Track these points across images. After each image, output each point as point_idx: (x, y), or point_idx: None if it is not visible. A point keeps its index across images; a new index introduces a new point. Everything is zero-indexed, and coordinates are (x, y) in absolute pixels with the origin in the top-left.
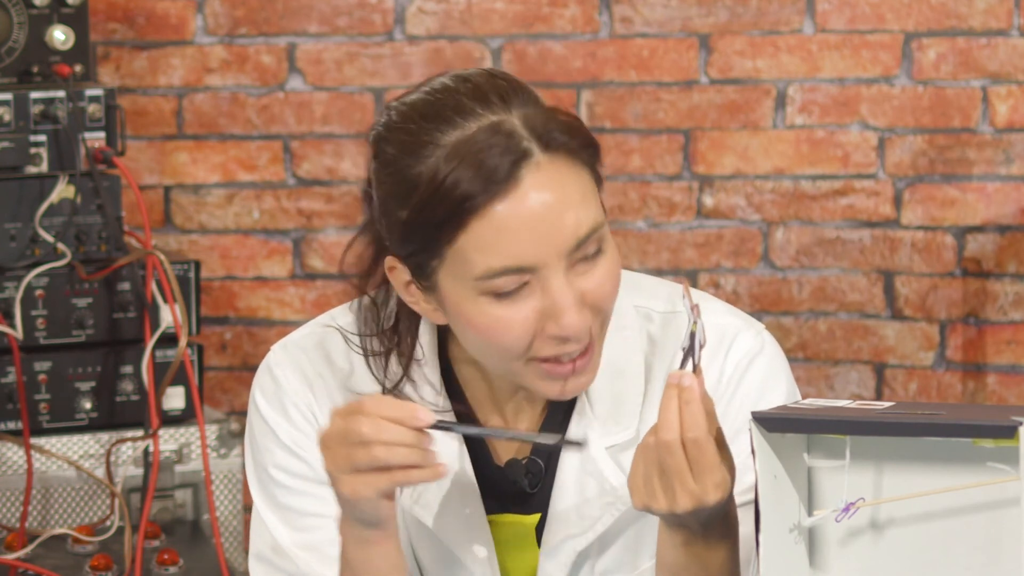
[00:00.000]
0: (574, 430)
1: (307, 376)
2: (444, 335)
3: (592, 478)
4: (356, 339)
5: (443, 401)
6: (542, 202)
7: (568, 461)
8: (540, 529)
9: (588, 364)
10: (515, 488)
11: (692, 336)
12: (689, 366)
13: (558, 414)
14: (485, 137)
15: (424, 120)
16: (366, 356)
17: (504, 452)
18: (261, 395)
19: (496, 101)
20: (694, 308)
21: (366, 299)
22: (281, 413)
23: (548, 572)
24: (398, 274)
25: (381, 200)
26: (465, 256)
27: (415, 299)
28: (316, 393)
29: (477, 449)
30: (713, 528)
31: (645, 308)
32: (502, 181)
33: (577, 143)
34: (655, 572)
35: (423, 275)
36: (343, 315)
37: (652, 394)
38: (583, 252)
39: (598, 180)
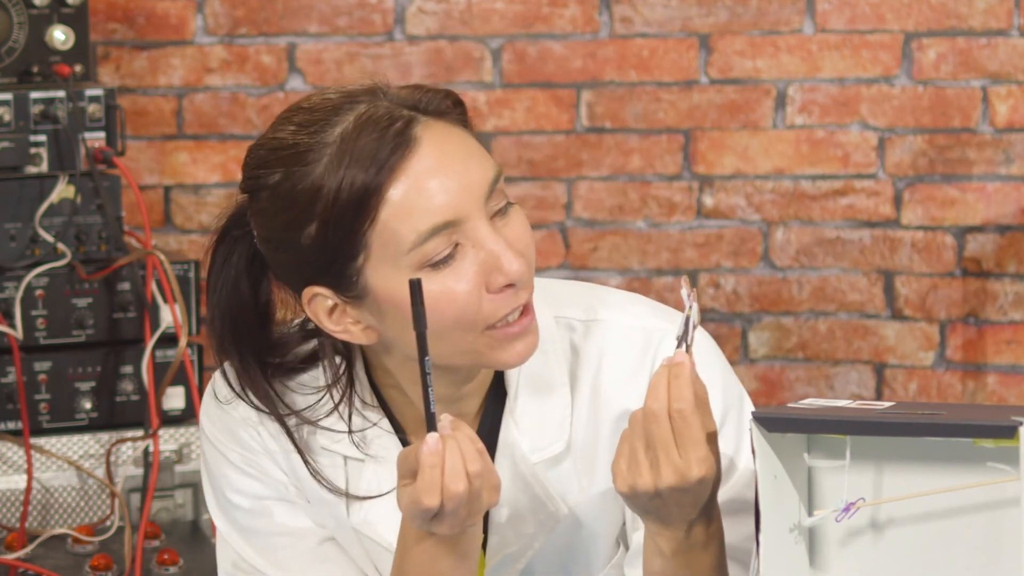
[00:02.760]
0: (502, 448)
1: (247, 401)
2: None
3: (523, 494)
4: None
5: (387, 425)
6: (446, 153)
7: (501, 475)
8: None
9: (532, 322)
10: None
11: (686, 321)
12: (683, 348)
13: (486, 435)
14: (368, 114)
15: (299, 135)
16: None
17: None
18: (208, 421)
19: (362, 95)
20: (691, 293)
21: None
22: (230, 436)
23: None
24: (319, 303)
25: (277, 238)
26: (391, 231)
27: (341, 326)
28: (257, 417)
29: None
30: (699, 531)
31: (565, 318)
32: (404, 144)
33: (450, 103)
34: None
35: (347, 286)
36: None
37: (579, 404)
38: (496, 203)
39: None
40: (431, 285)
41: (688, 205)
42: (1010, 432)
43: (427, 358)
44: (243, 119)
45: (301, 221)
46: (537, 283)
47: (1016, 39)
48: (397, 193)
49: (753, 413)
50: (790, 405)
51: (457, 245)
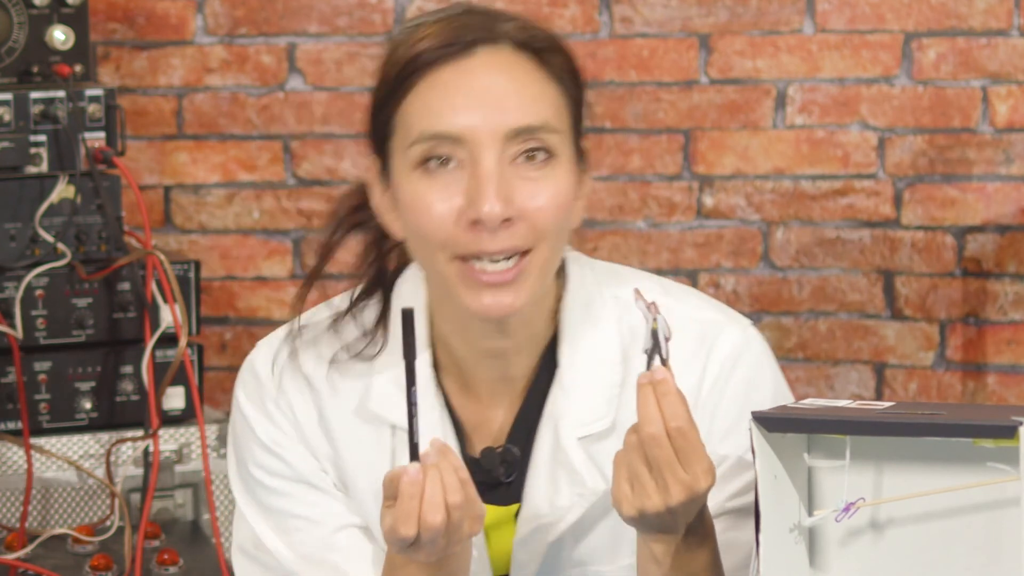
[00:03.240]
0: (547, 417)
1: (288, 372)
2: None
3: (563, 468)
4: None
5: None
6: (490, 78)
7: (541, 450)
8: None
9: (513, 283)
10: (490, 478)
11: (654, 334)
12: (657, 362)
13: (534, 403)
14: (463, 15)
15: (419, 18)
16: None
17: (479, 441)
18: (243, 392)
19: (480, 9)
20: (650, 307)
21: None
22: (262, 411)
23: (521, 561)
24: (372, 176)
25: (370, 111)
26: (408, 122)
27: (382, 208)
28: (298, 389)
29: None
30: (694, 532)
31: (624, 299)
32: (458, 52)
33: (552, 47)
34: None
35: (385, 164)
36: (322, 311)
37: (630, 383)
38: (525, 147)
39: (575, 109)
40: (418, 188)
41: (688, 205)
42: (1010, 432)
43: (414, 388)
44: (243, 119)
45: (376, 81)
46: (601, 264)
47: (1016, 39)
48: (426, 89)
49: (753, 413)
50: (790, 405)
51: (457, 162)
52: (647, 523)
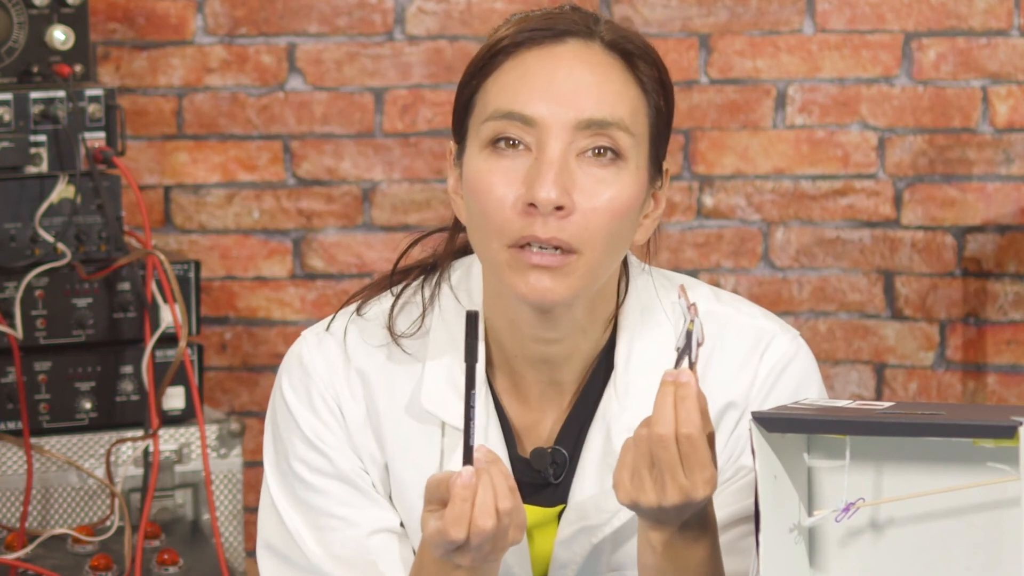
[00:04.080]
0: (599, 419)
1: (338, 365)
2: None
3: (612, 471)
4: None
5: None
6: (573, 69)
7: (591, 451)
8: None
9: (558, 271)
10: (539, 479)
11: (688, 335)
12: (685, 364)
13: (586, 406)
14: (564, 10)
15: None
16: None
17: (528, 443)
18: (288, 383)
19: (584, 10)
20: (691, 307)
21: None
22: (307, 404)
23: (562, 562)
24: (450, 160)
25: (457, 93)
26: (486, 100)
27: (455, 191)
28: (348, 383)
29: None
30: (691, 527)
31: (682, 305)
32: (546, 38)
33: (645, 57)
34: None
35: (461, 151)
36: (371, 304)
37: (661, 394)
38: (595, 142)
39: (656, 120)
40: (484, 166)
41: (688, 205)
42: (1010, 432)
43: (473, 391)
44: (243, 119)
45: (465, 69)
46: (666, 273)
47: (1016, 39)
48: (509, 70)
49: (753, 413)
50: (790, 405)
51: (524, 147)
52: (640, 512)
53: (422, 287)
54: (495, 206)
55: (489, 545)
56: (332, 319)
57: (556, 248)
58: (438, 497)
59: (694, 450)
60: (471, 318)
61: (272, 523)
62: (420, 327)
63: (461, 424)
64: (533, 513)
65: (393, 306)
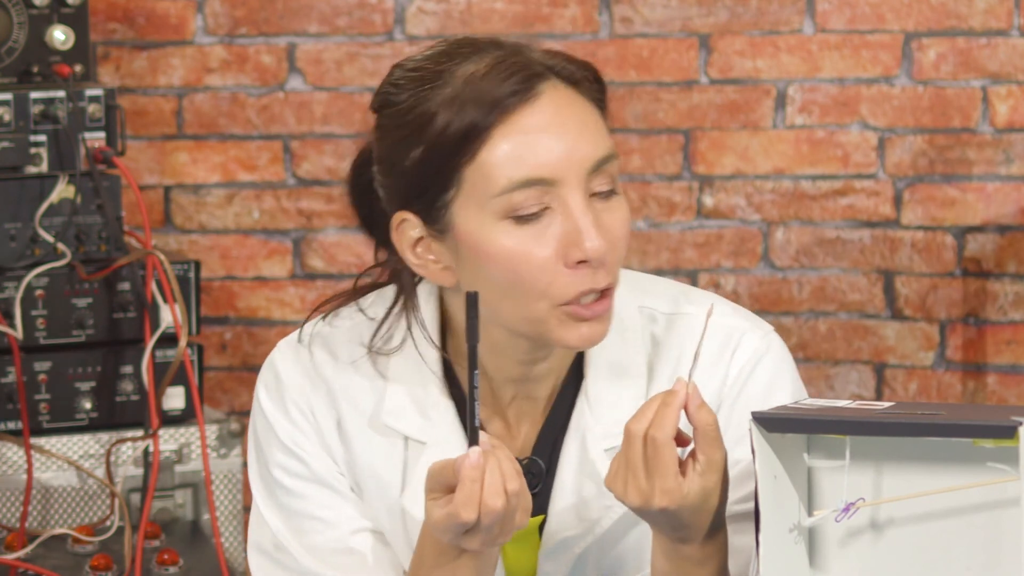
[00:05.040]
0: (573, 430)
1: (309, 374)
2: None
3: (590, 480)
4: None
5: (446, 402)
6: (561, 116)
7: (567, 462)
8: (543, 529)
9: (607, 311)
10: None
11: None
12: (687, 374)
13: (559, 416)
14: (505, 57)
15: (439, 60)
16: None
17: None
18: (265, 392)
19: (507, 44)
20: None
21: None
22: (283, 412)
23: (547, 572)
24: (405, 230)
25: (387, 158)
26: (486, 172)
27: (422, 260)
28: (318, 392)
29: None
30: (691, 548)
31: (649, 309)
32: (524, 94)
33: (588, 75)
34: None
35: (434, 217)
36: (342, 313)
37: (654, 395)
38: (599, 183)
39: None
40: (512, 239)
41: (688, 205)
42: (1010, 432)
43: (476, 371)
44: (243, 119)
45: (410, 143)
46: (625, 273)
47: (1016, 39)
48: (502, 138)
49: (753, 413)
50: (790, 405)
51: (547, 209)
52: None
53: (405, 309)
54: (537, 272)
55: (498, 527)
56: (301, 330)
57: (602, 291)
58: (442, 483)
59: (657, 455)
60: (471, 299)
61: (260, 528)
62: (398, 347)
63: (423, 437)
64: None
65: (378, 328)
